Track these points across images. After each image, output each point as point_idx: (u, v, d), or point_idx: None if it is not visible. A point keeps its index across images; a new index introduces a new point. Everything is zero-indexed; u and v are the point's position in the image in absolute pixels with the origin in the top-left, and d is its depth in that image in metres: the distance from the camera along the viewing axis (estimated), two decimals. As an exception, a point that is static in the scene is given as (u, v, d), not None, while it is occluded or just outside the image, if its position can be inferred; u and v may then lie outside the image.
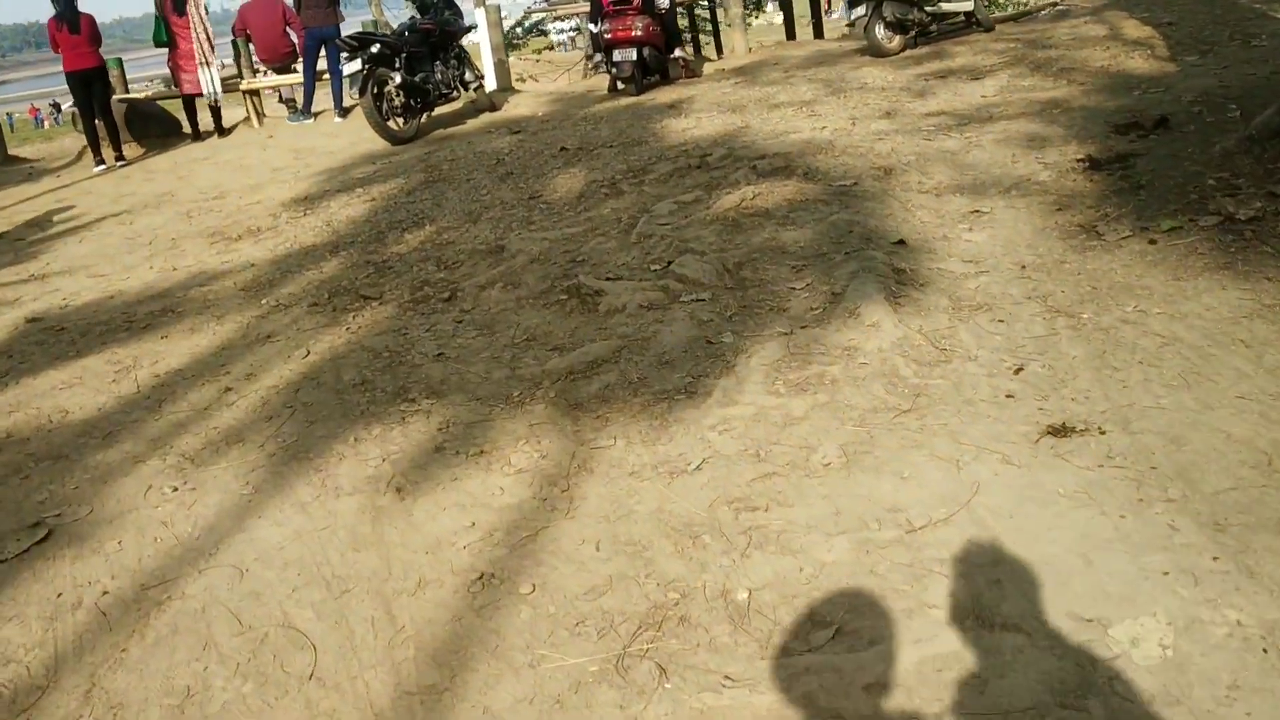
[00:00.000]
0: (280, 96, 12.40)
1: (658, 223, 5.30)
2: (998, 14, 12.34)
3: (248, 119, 11.65)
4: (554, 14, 18.03)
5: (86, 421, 4.01)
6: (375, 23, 14.13)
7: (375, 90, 9.11)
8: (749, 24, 12.46)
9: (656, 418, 3.39)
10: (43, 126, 55.37)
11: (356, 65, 9.00)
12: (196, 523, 3.16)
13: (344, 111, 11.33)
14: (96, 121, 10.43)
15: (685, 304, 4.22)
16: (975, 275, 4.26)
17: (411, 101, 9.44)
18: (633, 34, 9.55)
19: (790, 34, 15.74)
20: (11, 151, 12.31)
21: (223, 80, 11.12)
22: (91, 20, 10.34)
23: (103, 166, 10.39)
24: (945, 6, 10.02)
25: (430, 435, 3.52)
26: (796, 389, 3.42)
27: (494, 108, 10.49)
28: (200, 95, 10.95)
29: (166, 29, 10.66)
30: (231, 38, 11.67)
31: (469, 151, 8.36)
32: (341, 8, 11.55)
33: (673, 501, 2.90)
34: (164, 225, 7.48)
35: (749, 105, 8.38)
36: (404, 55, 9.45)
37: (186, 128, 11.57)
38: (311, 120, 11.21)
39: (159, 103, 12.02)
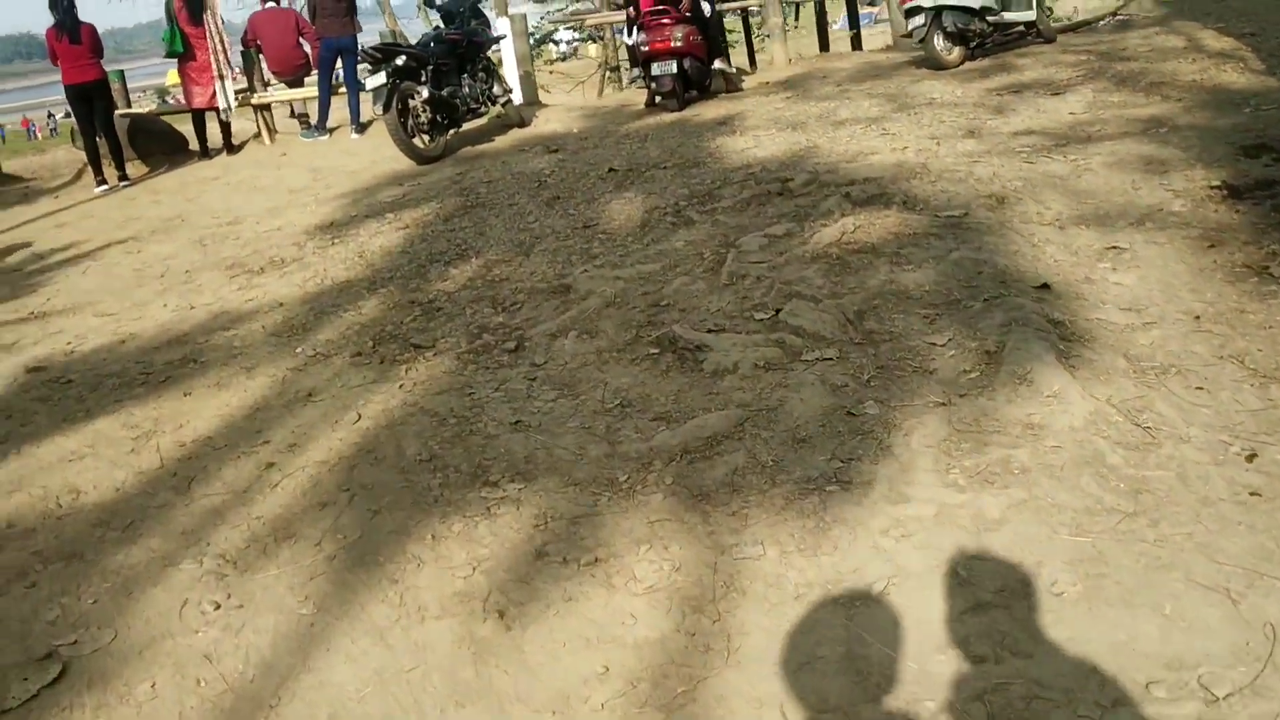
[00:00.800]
0: (292, 111, 11.79)
1: (749, 260, 4.69)
2: (1056, 24, 11.75)
3: (258, 135, 11.05)
4: (579, 23, 17.43)
5: (103, 506, 3.38)
6: (393, 33, 13.55)
7: (400, 106, 8.51)
8: (787, 34, 11.87)
9: (808, 516, 2.78)
10: (35, 138, 54.93)
11: (380, 79, 8.40)
12: (249, 657, 2.54)
13: (361, 127, 10.73)
14: (98, 138, 9.82)
15: (809, 364, 3.61)
16: (1143, 328, 3.67)
17: (438, 118, 8.84)
18: (672, 45, 8.96)
19: (823, 45, 15.17)
20: (6, 168, 11.70)
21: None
22: (93, 30, 9.74)
23: (105, 187, 9.79)
24: (1007, 16, 9.45)
25: (526, 534, 2.91)
26: (980, 480, 2.81)
27: (523, 123, 9.90)
28: (212, 109, 10.33)
29: (182, 39, 10.05)
30: (241, 49, 11.07)
31: (505, 172, 7.76)
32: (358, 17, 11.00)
33: (866, 645, 2.28)
34: (176, 255, 6.87)
35: (809, 122, 7.79)
36: (430, 68, 8.85)
37: (194, 144, 10.96)
38: (327, 136, 10.61)
39: (163, 118, 11.40)
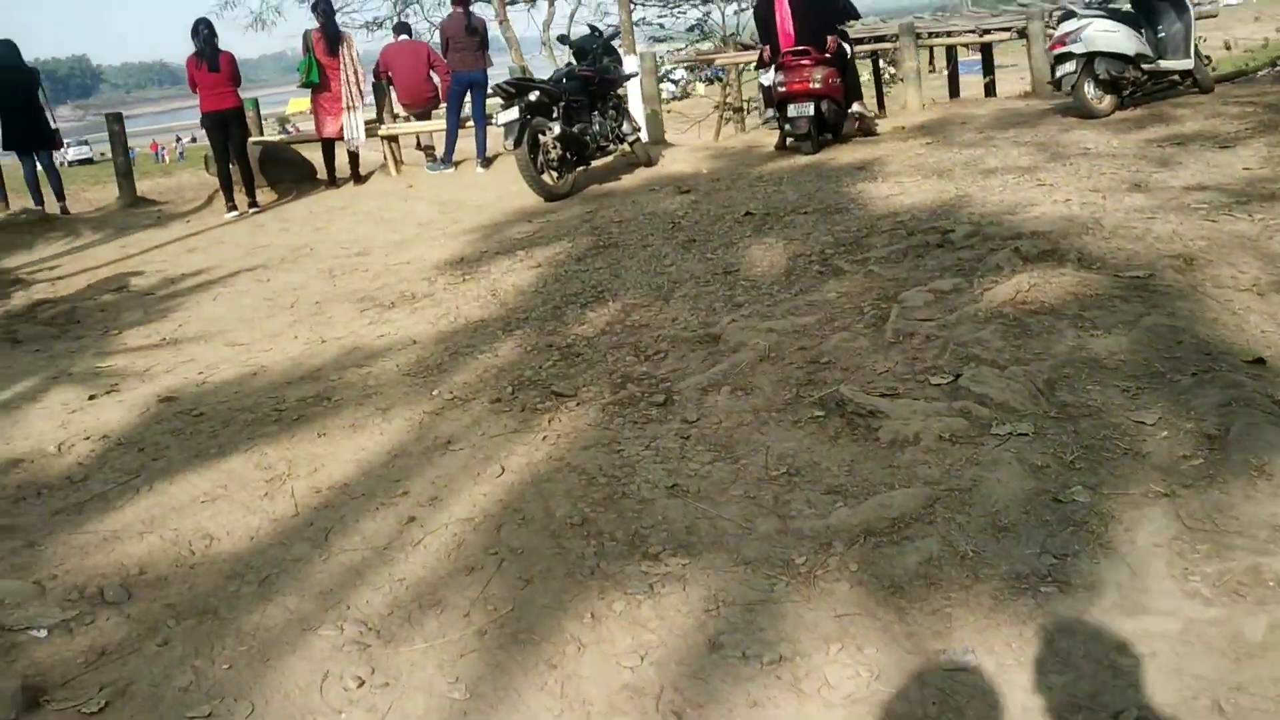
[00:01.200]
0: (419, 143, 11.85)
1: (915, 316, 4.36)
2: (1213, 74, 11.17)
3: (385, 166, 11.10)
4: (704, 63, 17.31)
5: (237, 556, 3.20)
6: (521, 69, 13.57)
7: (531, 141, 8.40)
8: (921, 78, 11.52)
9: (1023, 622, 2.44)
10: (163, 161, 57.26)
11: (512, 114, 8.31)
12: (397, 747, 2.29)
13: (487, 161, 10.69)
14: (231, 165, 9.94)
15: (1002, 439, 3.26)
16: (1386, 415, 3.23)
17: (568, 155, 8.72)
18: (811, 86, 8.69)
19: (954, 91, 14.73)
20: (138, 190, 11.95)
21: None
22: (231, 59, 9.89)
23: (235, 213, 9.89)
24: (1163, 64, 8.96)
25: (696, 619, 2.62)
26: (1229, 593, 2.43)
27: (650, 162, 9.73)
28: (341, 139, 10.40)
29: (318, 70, 10.15)
30: (373, 80, 11.15)
31: (637, 212, 7.56)
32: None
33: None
34: (305, 285, 6.81)
35: (955, 170, 7.43)
36: (562, 105, 8.74)
37: (322, 173, 11.05)
38: (452, 169, 10.58)
39: (293, 146, 11.55)
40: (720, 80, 19.95)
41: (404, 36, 11.35)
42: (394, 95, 11.16)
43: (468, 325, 5.38)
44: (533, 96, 8.46)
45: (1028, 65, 11.77)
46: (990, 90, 14.13)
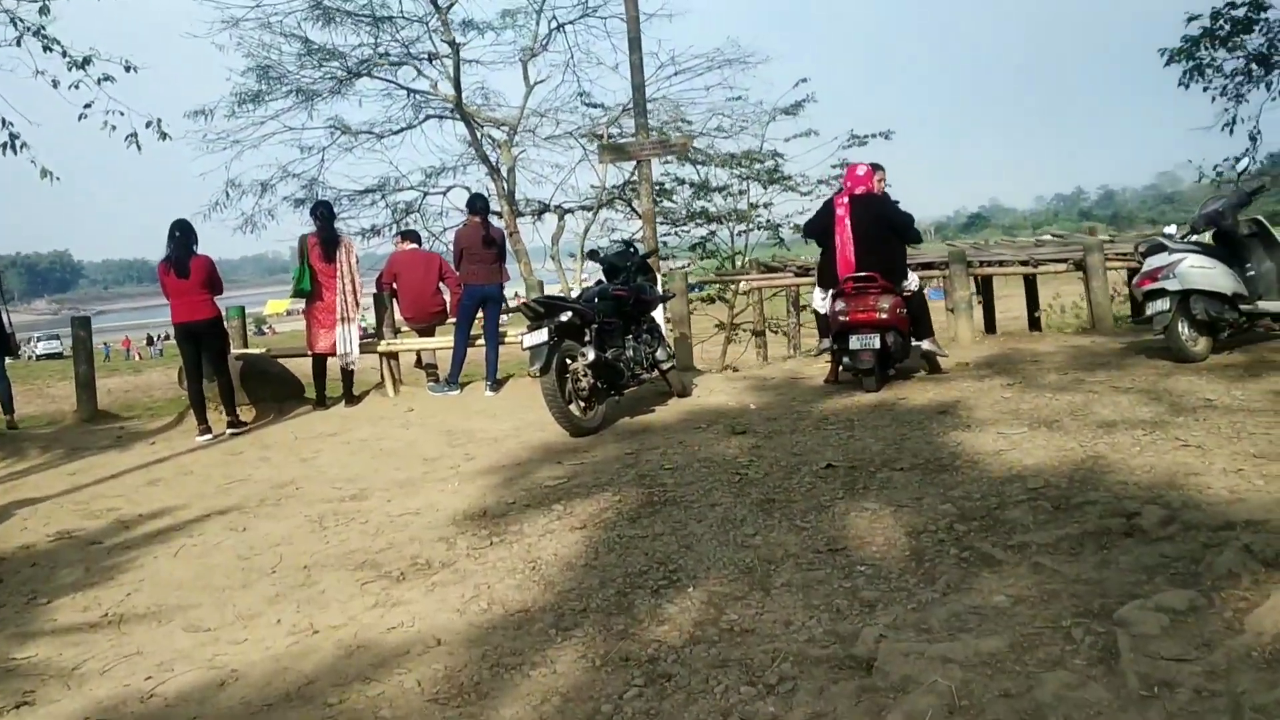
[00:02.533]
0: (419, 360, 10.86)
1: (1160, 653, 3.18)
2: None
3: (381, 385, 10.06)
4: (729, 283, 16.68)
5: None
6: (539, 284, 12.75)
7: (559, 367, 7.42)
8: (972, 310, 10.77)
9: None
10: (134, 358, 56.53)
11: (541, 335, 7.36)
12: None
13: (497, 384, 9.69)
14: (207, 381, 8.88)
15: None
16: None
17: (599, 384, 7.71)
18: (877, 316, 7.82)
19: (990, 325, 14.01)
20: (100, 405, 10.83)
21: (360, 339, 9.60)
22: (207, 264, 8.98)
23: (208, 436, 8.76)
24: (1262, 305, 8.19)
25: None
26: None
27: (685, 392, 8.75)
28: (334, 355, 9.39)
29: (311, 277, 9.26)
30: (374, 291, 10.27)
31: (688, 456, 6.48)
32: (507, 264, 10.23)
33: None
34: (290, 539, 5.61)
35: (1064, 420, 6.44)
36: (595, 327, 7.81)
37: (310, 390, 10.00)
38: (457, 392, 9.56)
39: (280, 360, 10.52)
40: (719, 299, 19.33)
41: (412, 245, 10.56)
42: (397, 308, 10.26)
43: (507, 616, 4.16)
44: (564, 317, 7.53)
45: (1087, 299, 11.06)
46: (1035, 325, 13.40)
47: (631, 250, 8.86)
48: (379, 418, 9.08)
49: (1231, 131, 15.10)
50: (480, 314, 9.82)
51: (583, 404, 7.66)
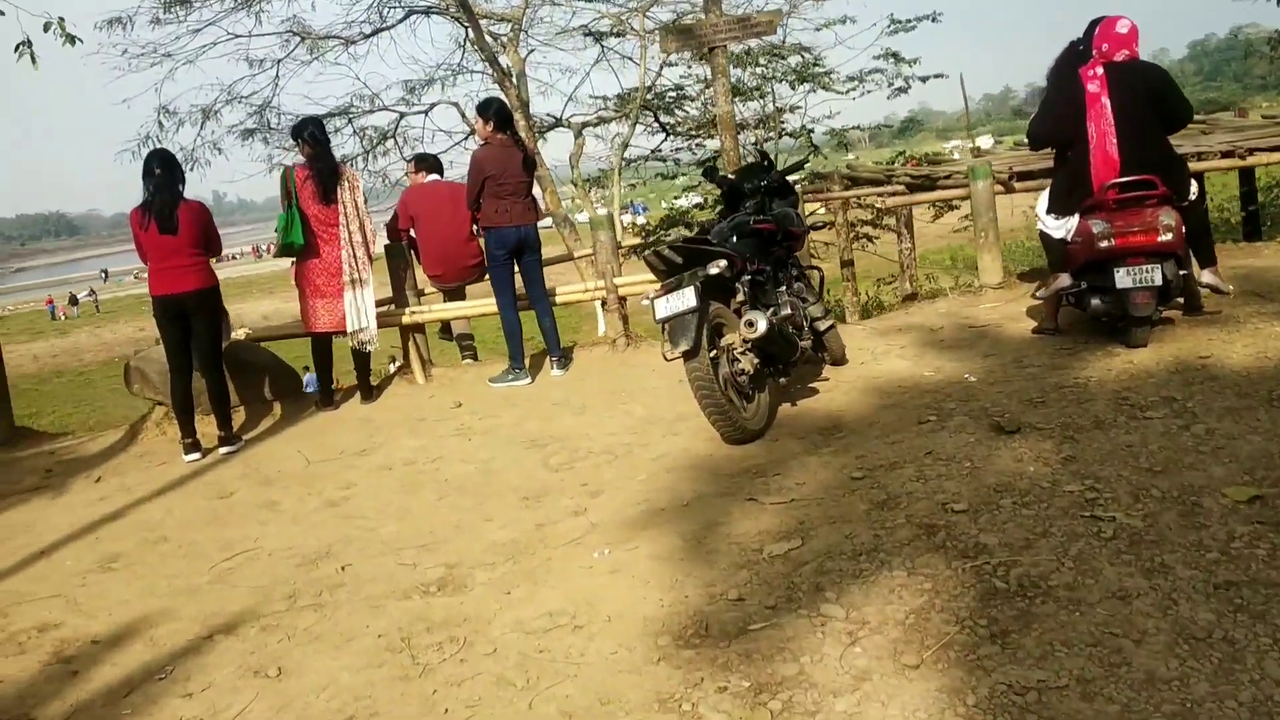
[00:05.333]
0: (445, 329, 8.34)
1: None
2: None
3: (404, 369, 7.59)
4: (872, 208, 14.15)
5: None
6: (566, 221, 10.18)
7: (709, 343, 5.07)
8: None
9: None
10: (58, 318, 53.04)
11: (687, 299, 4.99)
12: None
13: (564, 360, 7.29)
14: (192, 378, 6.44)
15: None
16: None
17: (764, 365, 5.37)
18: (1159, 239, 5.49)
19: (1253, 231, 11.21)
20: (28, 371, 8.27)
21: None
22: (200, 214, 6.48)
23: (196, 455, 6.36)
24: None
25: None
26: None
27: (842, 358, 6.41)
28: (342, 333, 6.92)
29: (303, 226, 6.74)
30: (386, 242, 7.77)
31: (965, 479, 4.22)
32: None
33: None
34: (366, 690, 3.25)
35: None
36: (747, 279, 5.43)
37: (310, 383, 7.55)
38: (528, 380, 7.12)
39: (264, 344, 7.98)
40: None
41: (432, 175, 8.01)
42: (417, 262, 7.77)
43: None
44: (714, 269, 5.13)
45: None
46: (1255, 231, 10.79)
47: (766, 165, 6.38)
48: (417, 420, 6.64)
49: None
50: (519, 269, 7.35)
51: (742, 395, 5.30)
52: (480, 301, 7.61)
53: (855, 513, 4.09)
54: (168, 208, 6.28)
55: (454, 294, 8.02)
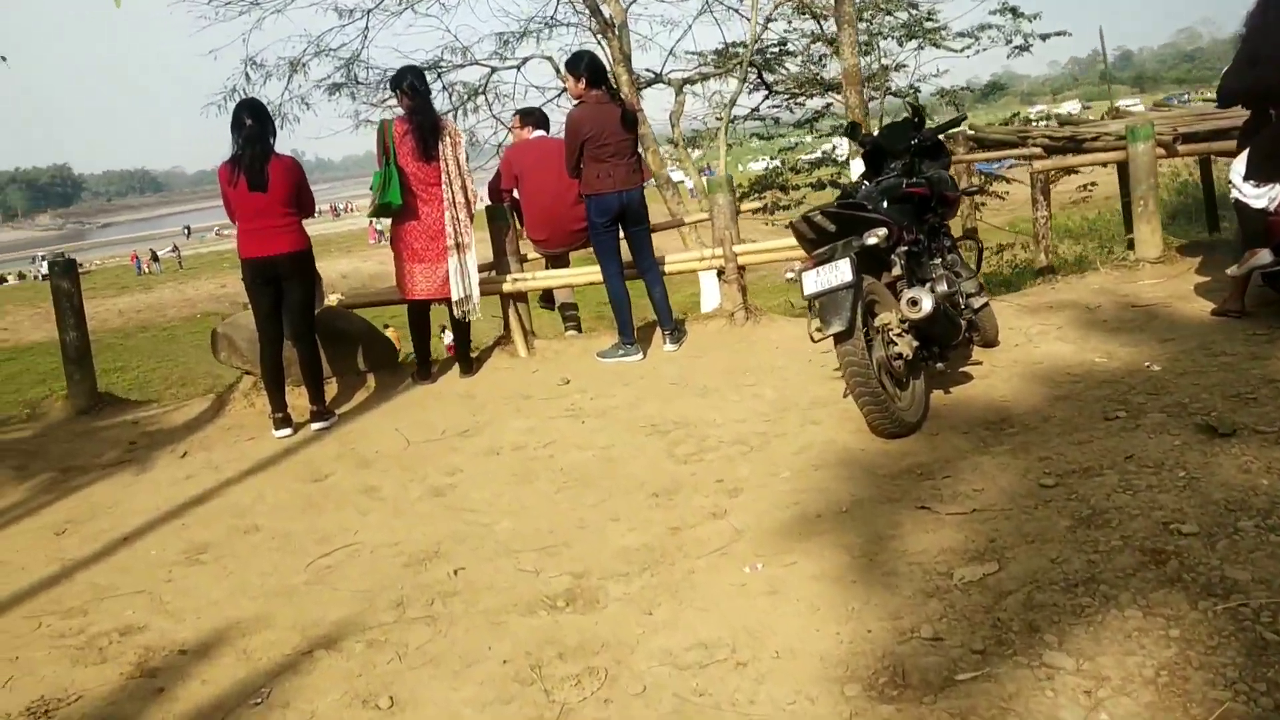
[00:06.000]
0: (545, 297, 7.82)
1: None
2: None
3: (504, 339, 7.10)
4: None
5: None
6: (673, 186, 9.58)
7: (866, 322, 4.49)
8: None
9: None
10: (144, 272, 53.90)
11: (841, 273, 4.43)
12: None
13: (676, 332, 6.74)
14: (283, 348, 6.02)
15: None
16: None
17: (922, 349, 4.76)
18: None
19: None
20: (111, 326, 7.92)
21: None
22: (293, 171, 6.03)
23: (288, 431, 5.93)
24: None
25: None
26: None
27: (994, 339, 5.77)
28: (440, 300, 6.44)
29: (402, 184, 6.26)
30: (485, 202, 7.26)
31: (1186, 492, 3.62)
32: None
33: None
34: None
35: None
36: (904, 250, 4.81)
37: (406, 353, 7.11)
38: (640, 355, 6.59)
39: (356, 311, 7.53)
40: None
41: (539, 131, 7.47)
42: (519, 225, 7.25)
43: None
44: (873, 238, 4.53)
45: None
46: None
47: (915, 119, 5.71)
48: (523, 397, 6.14)
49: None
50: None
51: (896, 381, 4.70)
52: (586, 269, 7.08)
53: (1055, 530, 3.48)
54: (258, 162, 5.82)
55: (557, 260, 7.50)
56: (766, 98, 15.72)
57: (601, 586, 3.64)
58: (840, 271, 4.42)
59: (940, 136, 5.80)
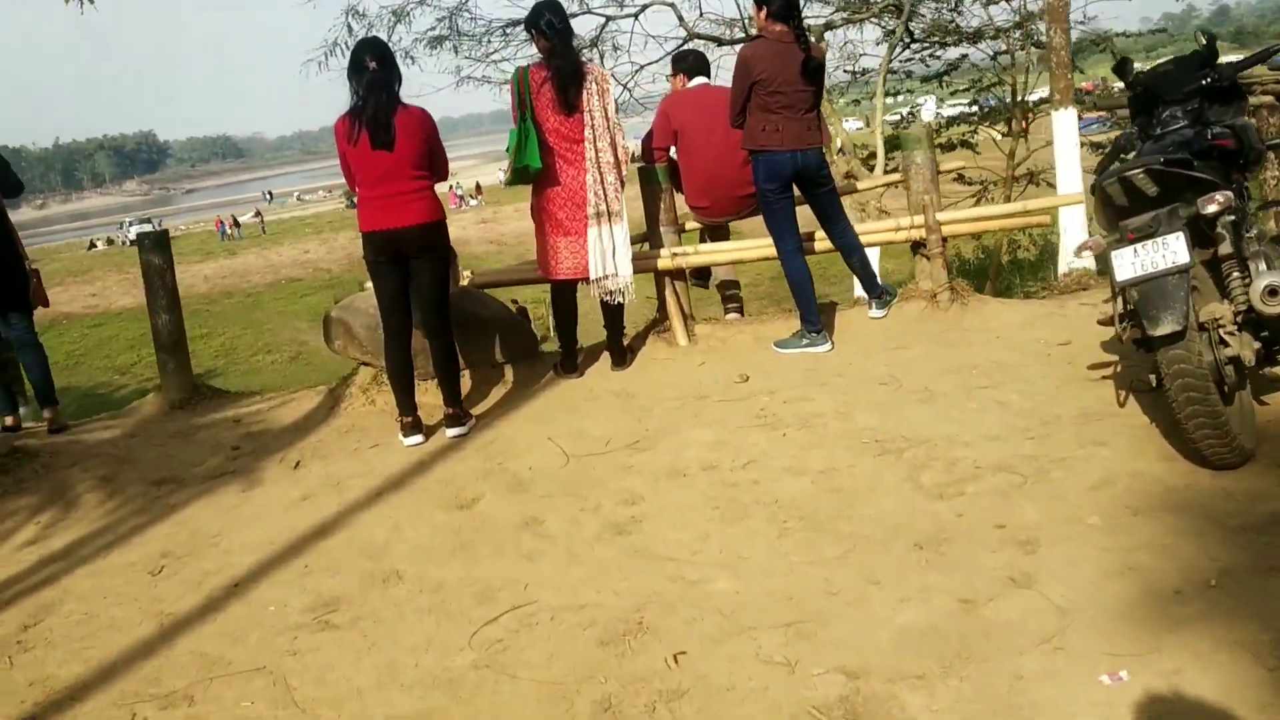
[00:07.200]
0: (698, 277, 6.75)
1: None
2: None
3: (660, 325, 6.09)
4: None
5: None
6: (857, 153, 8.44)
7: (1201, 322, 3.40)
8: None
9: None
10: (228, 237, 54.33)
11: (1177, 252, 3.33)
12: None
13: (884, 298, 5.70)
14: (411, 343, 5.09)
15: None
16: None
17: (1266, 348, 3.65)
18: None
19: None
20: (198, 292, 7.09)
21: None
22: (424, 124, 5.01)
23: (418, 439, 5.00)
24: None
25: None
26: None
27: None
28: (585, 279, 5.45)
29: (540, 144, 5.25)
30: (640, 162, 6.26)
31: None
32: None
33: None
34: None
35: None
36: (1231, 220, 3.69)
37: (550, 340, 6.16)
38: (828, 345, 5.54)
39: (488, 291, 6.56)
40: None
41: (699, 79, 6.41)
42: (677, 190, 6.23)
43: None
44: (1212, 206, 3.44)
45: None
46: None
47: (1207, 54, 4.53)
48: (697, 398, 5.12)
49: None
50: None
51: (1224, 395, 3.59)
52: (756, 241, 6.03)
53: None
54: (384, 113, 4.84)
55: (718, 231, 6.47)
56: (906, 47, 14.42)
57: (892, 695, 2.63)
58: (1171, 250, 3.34)
59: (1238, 77, 4.60)
